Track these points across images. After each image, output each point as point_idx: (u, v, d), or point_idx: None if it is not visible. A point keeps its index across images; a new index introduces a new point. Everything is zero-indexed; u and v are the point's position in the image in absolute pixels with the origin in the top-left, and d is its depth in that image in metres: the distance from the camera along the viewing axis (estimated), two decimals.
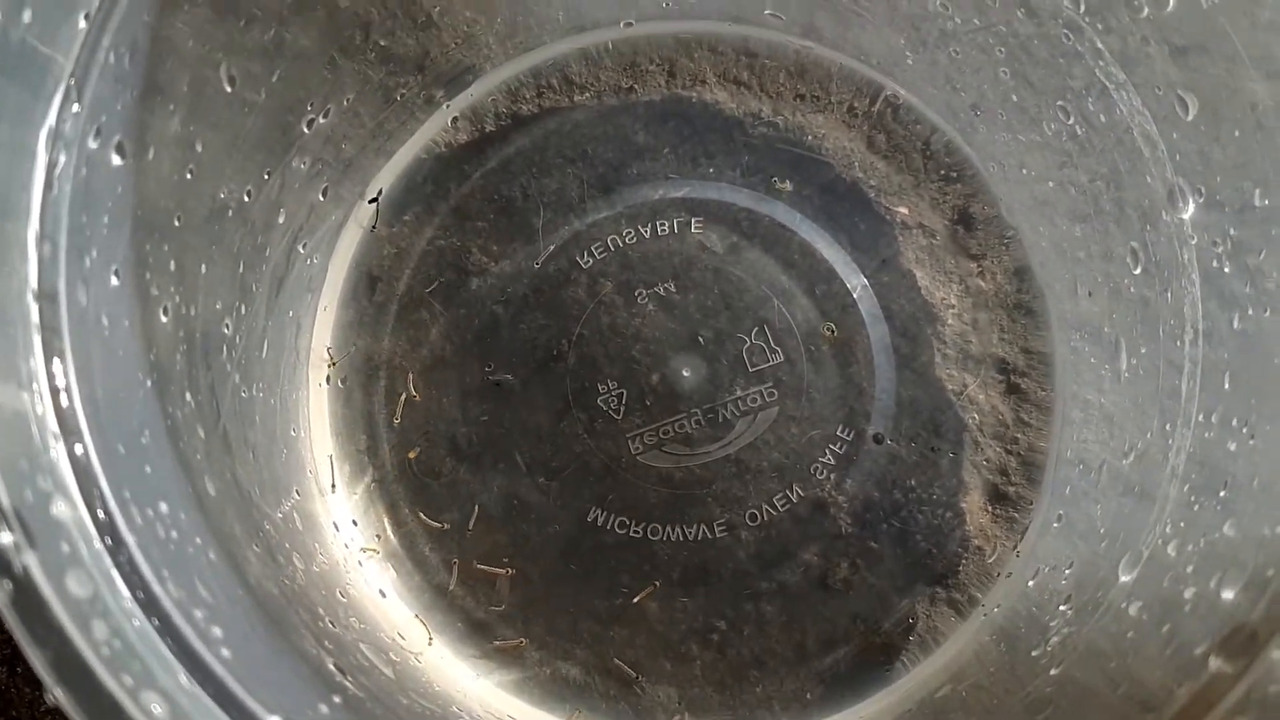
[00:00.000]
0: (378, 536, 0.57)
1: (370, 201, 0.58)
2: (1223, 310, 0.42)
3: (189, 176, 0.43)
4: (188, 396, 0.42)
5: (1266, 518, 0.35)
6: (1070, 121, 0.50)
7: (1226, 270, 0.42)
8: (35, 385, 0.33)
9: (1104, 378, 0.52)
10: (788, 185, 0.60)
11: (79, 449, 0.33)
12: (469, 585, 0.57)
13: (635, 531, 0.57)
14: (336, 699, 0.38)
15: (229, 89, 0.44)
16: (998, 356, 0.58)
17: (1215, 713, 0.31)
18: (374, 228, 0.58)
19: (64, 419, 0.33)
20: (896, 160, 0.60)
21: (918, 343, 0.58)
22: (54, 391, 0.34)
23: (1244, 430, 0.39)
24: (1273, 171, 0.39)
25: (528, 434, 0.58)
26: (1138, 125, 0.46)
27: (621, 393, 0.58)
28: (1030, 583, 0.52)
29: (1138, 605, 0.40)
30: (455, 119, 0.60)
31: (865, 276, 0.59)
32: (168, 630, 0.32)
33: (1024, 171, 0.56)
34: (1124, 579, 0.43)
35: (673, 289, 0.58)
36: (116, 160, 0.38)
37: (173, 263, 0.42)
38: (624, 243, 0.59)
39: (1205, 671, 0.32)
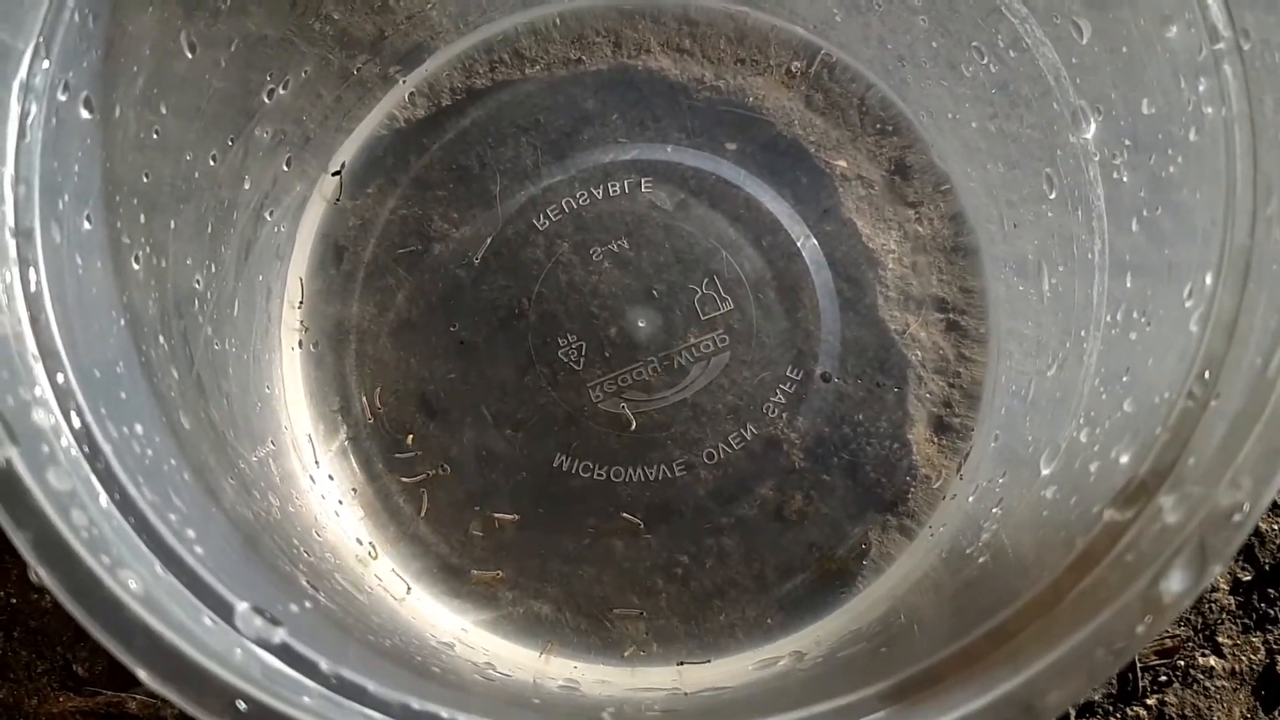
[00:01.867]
0: (353, 490, 0.59)
1: (333, 174, 0.61)
2: (1124, 216, 0.45)
3: (155, 136, 0.46)
4: (161, 339, 0.45)
5: (1156, 388, 0.37)
6: (985, 61, 0.54)
7: (1125, 179, 0.45)
8: (14, 311, 0.36)
9: (1031, 304, 0.55)
10: (732, 145, 0.63)
11: (58, 374, 0.36)
12: (443, 533, 0.59)
13: (599, 475, 0.60)
14: (308, 604, 0.41)
15: (189, 55, 0.47)
16: (937, 296, 0.61)
17: (1109, 556, 0.34)
18: (338, 199, 0.61)
19: (42, 342, 0.36)
20: (834, 116, 0.63)
21: (861, 287, 0.61)
22: (33, 319, 0.36)
23: (1142, 319, 0.42)
24: (1155, 79, 0.42)
25: (493, 389, 0.61)
26: (1042, 55, 0.49)
27: (581, 345, 0.60)
28: (970, 499, 0.55)
29: (1053, 489, 0.43)
30: (412, 94, 0.63)
31: (808, 227, 0.62)
32: (143, 528, 0.35)
33: (952, 117, 0.59)
34: (1045, 471, 0.46)
35: (626, 246, 0.62)
36: (85, 114, 0.41)
37: (142, 216, 0.45)
38: (578, 204, 0.62)
39: (1099, 523, 0.35)
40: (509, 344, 0.61)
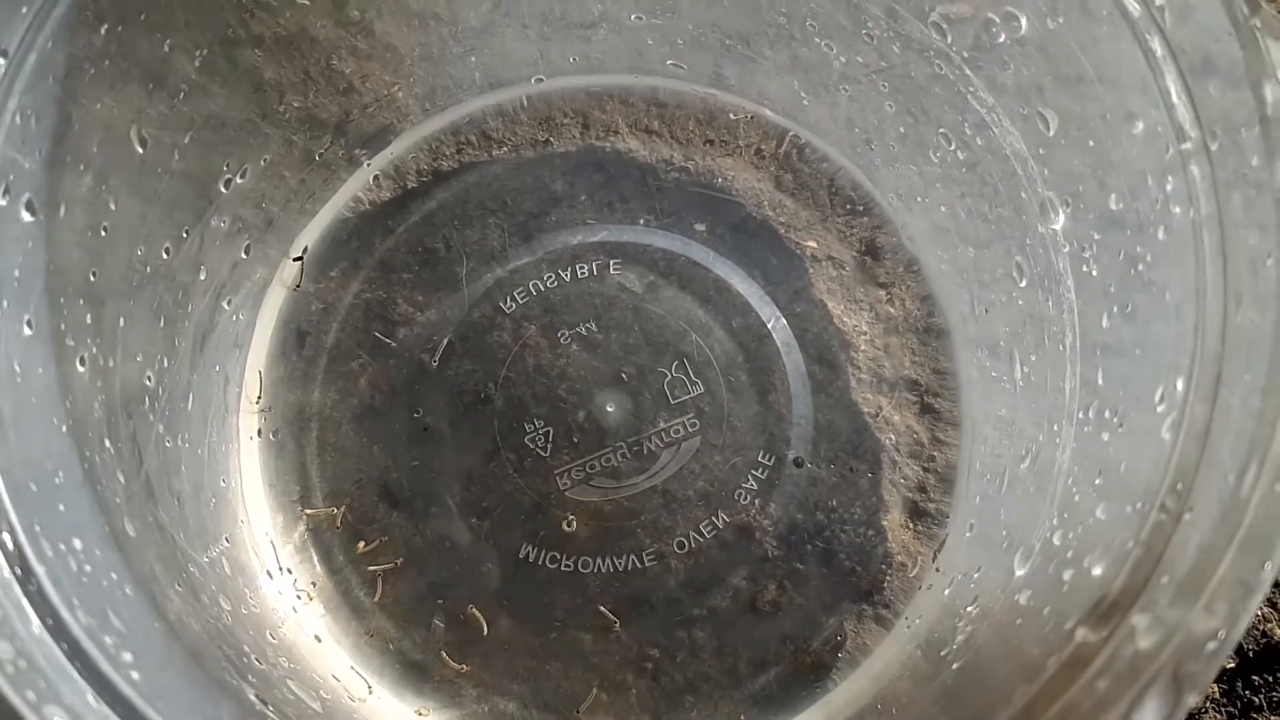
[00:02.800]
0: (313, 584, 0.58)
1: (295, 259, 0.60)
2: (1095, 309, 0.44)
3: (103, 234, 0.45)
4: (107, 443, 0.43)
5: (1128, 497, 0.36)
6: (952, 147, 0.53)
7: (1094, 273, 0.44)
8: None
9: (1004, 389, 0.54)
10: (701, 226, 0.62)
11: None
12: (406, 628, 0.58)
13: (566, 565, 0.58)
14: None
15: (140, 150, 0.46)
16: (910, 378, 0.60)
17: (1082, 679, 0.33)
18: (299, 286, 0.60)
19: None
20: (803, 197, 0.62)
21: (833, 369, 0.60)
22: None
23: (1114, 420, 0.41)
24: (1122, 175, 0.41)
25: (458, 476, 0.59)
26: (1009, 145, 0.49)
27: (548, 430, 0.59)
28: (946, 591, 0.54)
29: (1027, 594, 0.42)
30: (377, 176, 0.62)
31: (779, 308, 0.61)
32: (76, 654, 0.34)
33: (921, 200, 0.58)
34: (1019, 573, 0.44)
35: (594, 328, 0.60)
36: (26, 216, 0.40)
37: (88, 316, 0.44)
38: (545, 286, 0.61)
39: (1072, 642, 0.33)
40: (474, 430, 0.60)
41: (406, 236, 0.62)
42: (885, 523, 0.58)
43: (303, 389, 0.60)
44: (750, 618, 0.58)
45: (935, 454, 0.59)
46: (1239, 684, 0.59)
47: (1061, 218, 0.46)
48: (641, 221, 0.62)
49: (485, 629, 0.57)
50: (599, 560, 0.58)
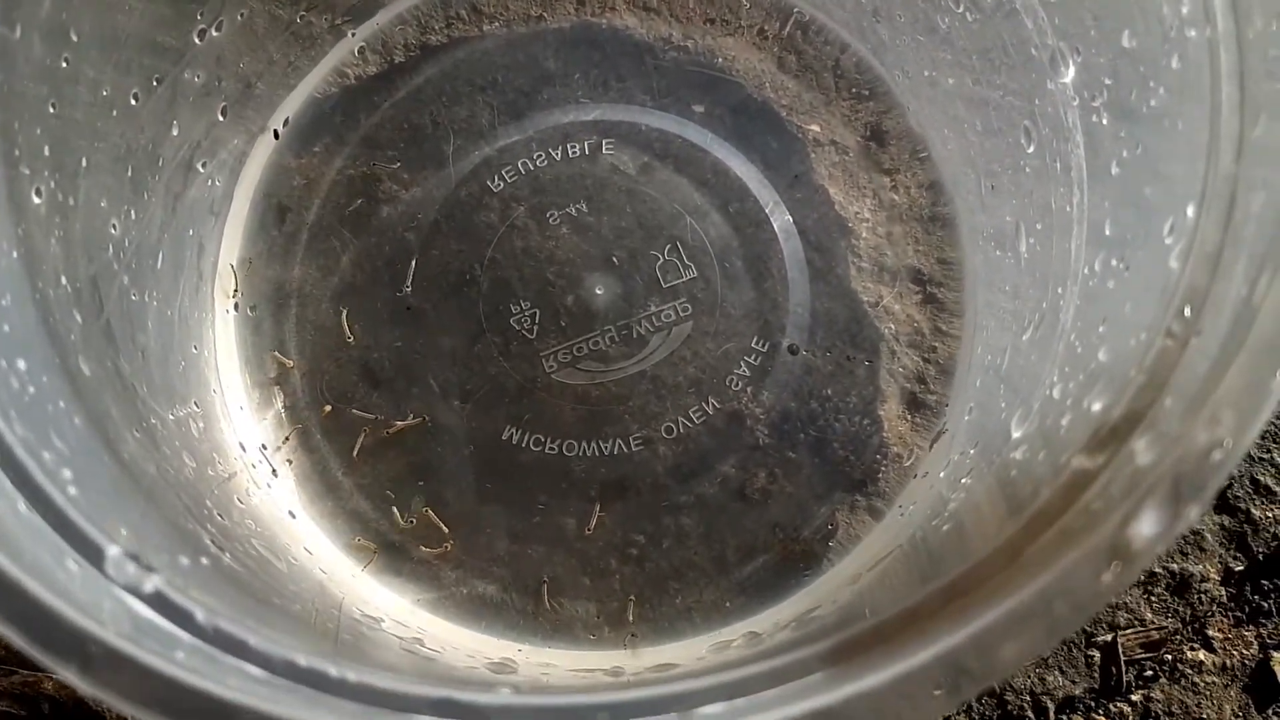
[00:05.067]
0: (288, 461, 0.56)
1: (277, 132, 0.58)
2: (1104, 159, 0.42)
3: (64, 65, 0.43)
4: (63, 280, 0.41)
5: (1132, 330, 0.34)
6: (960, 10, 0.51)
7: (1104, 122, 0.42)
8: None
9: (1008, 270, 0.52)
10: (700, 107, 0.60)
11: None
12: (384, 508, 0.56)
13: (551, 449, 0.56)
14: (204, 560, 0.37)
15: None
16: (913, 268, 0.58)
17: (1076, 505, 0.30)
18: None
19: None
20: (807, 79, 0.60)
21: (832, 256, 0.58)
22: None
23: (1120, 265, 0.39)
24: (1136, 7, 0.39)
25: (441, 358, 0.57)
26: None
27: (535, 313, 0.57)
28: (941, 474, 0.52)
29: (1023, 449, 0.40)
30: (362, 49, 0.60)
31: (778, 193, 0.59)
32: (8, 463, 0.32)
33: (928, 74, 0.56)
34: (1015, 434, 0.42)
35: (585, 210, 0.58)
36: None
37: (47, 148, 0.42)
38: (535, 166, 0.59)
39: (1066, 470, 0.31)
40: (459, 311, 0.58)
41: (392, 113, 0.60)
42: (881, 413, 0.56)
43: (282, 265, 0.58)
44: (739, 505, 0.56)
45: (936, 344, 0.57)
46: (1247, 588, 0.57)
47: (1072, 69, 0.44)
48: (637, 101, 0.60)
49: (445, 530, 0.55)
50: (584, 444, 0.56)
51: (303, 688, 0.28)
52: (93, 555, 0.31)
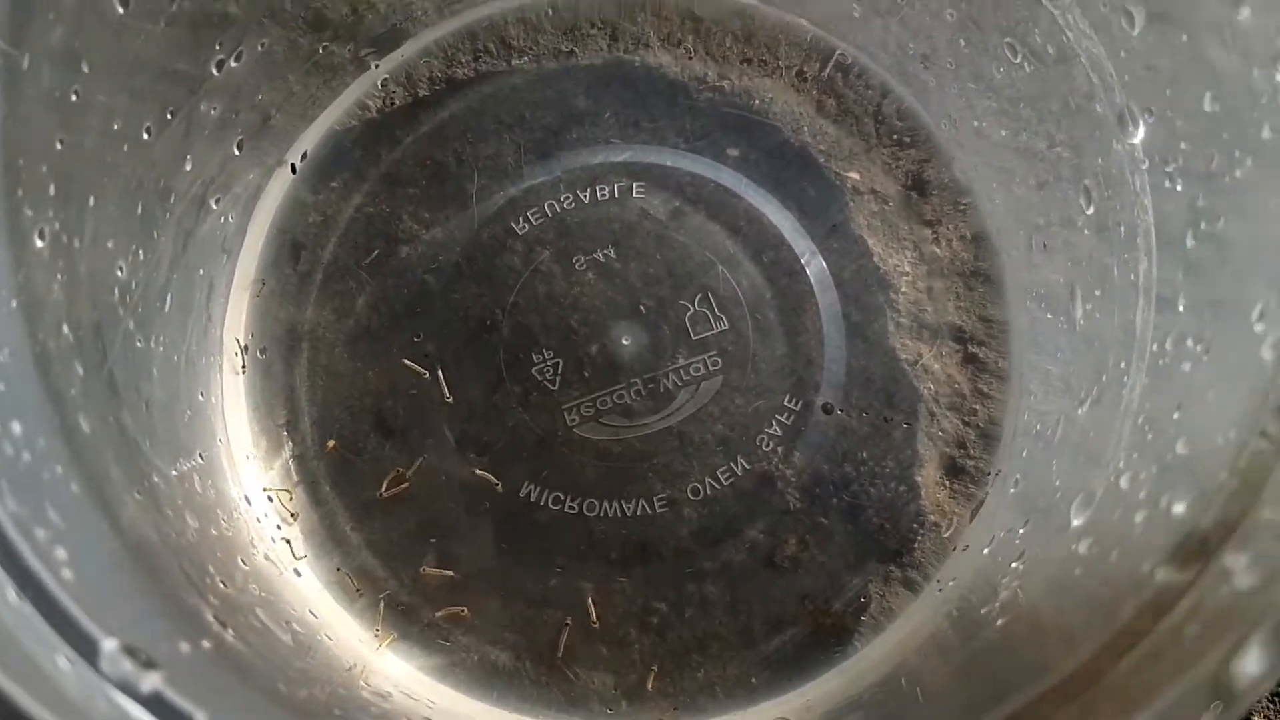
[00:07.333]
0: (294, 515, 0.53)
1: (294, 166, 0.56)
2: (1176, 230, 0.39)
3: (74, 98, 0.40)
4: (65, 329, 0.39)
5: (1219, 427, 0.31)
6: (1018, 60, 0.48)
7: (1179, 189, 0.39)
8: None
9: (1061, 334, 0.49)
10: (734, 151, 0.57)
11: None
12: (393, 567, 0.53)
13: (571, 507, 0.53)
14: (206, 643, 0.35)
15: (121, 10, 0.42)
16: (954, 325, 0.55)
17: (1163, 624, 0.28)
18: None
19: None
20: (847, 124, 0.58)
21: (870, 311, 0.56)
22: None
23: (1198, 348, 0.36)
24: (1221, 71, 0.36)
25: (458, 408, 0.54)
26: (1085, 50, 0.44)
27: (558, 363, 0.55)
28: (985, 550, 0.49)
29: (1088, 542, 0.37)
30: (386, 81, 0.57)
31: (814, 243, 0.56)
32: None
33: (977, 124, 0.53)
34: (1076, 522, 0.39)
35: (613, 255, 0.56)
36: None
37: (52, 186, 0.39)
38: (562, 208, 0.56)
39: (1151, 584, 0.29)
40: (478, 359, 0.55)
41: (415, 148, 0.57)
42: (919, 478, 0.53)
43: (295, 306, 0.56)
44: (767, 573, 0.53)
45: (977, 407, 0.54)
46: None
47: (1142, 130, 0.41)
48: (669, 143, 0.57)
49: (456, 575, 0.52)
50: (605, 504, 0.53)
51: None
52: (87, 650, 0.28)
